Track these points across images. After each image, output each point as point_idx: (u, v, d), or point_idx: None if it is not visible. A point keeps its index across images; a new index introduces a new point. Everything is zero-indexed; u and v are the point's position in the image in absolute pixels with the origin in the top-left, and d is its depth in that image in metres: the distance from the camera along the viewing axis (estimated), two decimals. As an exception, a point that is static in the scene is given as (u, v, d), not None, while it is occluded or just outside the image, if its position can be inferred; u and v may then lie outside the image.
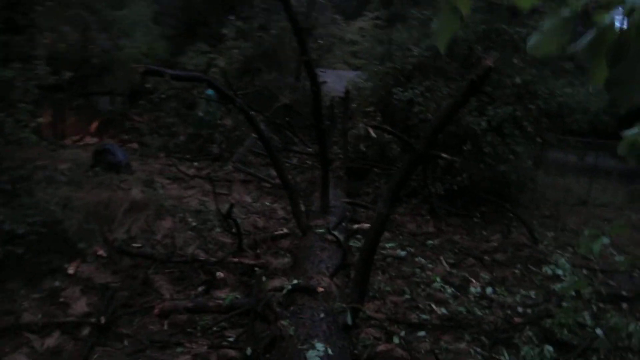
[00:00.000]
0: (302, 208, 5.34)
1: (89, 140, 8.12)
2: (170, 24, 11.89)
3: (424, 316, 3.59)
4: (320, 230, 3.99)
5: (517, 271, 4.65)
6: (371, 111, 7.01)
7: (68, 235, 3.88)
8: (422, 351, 3.15)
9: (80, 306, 3.32)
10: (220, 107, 8.08)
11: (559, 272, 4.68)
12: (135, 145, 7.97)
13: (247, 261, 3.92)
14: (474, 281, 4.30)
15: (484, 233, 5.63)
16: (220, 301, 2.71)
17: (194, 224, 4.77)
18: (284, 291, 3.05)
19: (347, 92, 6.29)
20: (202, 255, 4.13)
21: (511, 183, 6.53)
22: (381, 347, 2.95)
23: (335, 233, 3.89)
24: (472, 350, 3.21)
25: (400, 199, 2.89)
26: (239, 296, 2.93)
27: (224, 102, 8.33)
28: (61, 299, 3.40)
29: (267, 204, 5.66)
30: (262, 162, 7.21)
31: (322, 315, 2.62)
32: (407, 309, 3.68)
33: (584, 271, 4.79)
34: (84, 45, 9.32)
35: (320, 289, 2.88)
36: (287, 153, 7.81)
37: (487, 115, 6.04)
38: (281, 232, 4.71)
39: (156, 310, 2.78)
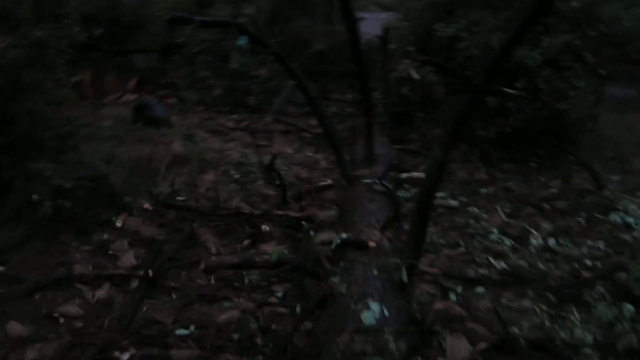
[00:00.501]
0: (347, 158, 5.10)
1: (129, 97, 8.06)
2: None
3: (482, 271, 3.33)
4: (367, 181, 3.74)
5: (581, 220, 4.25)
6: (411, 51, 6.48)
7: (114, 190, 3.84)
8: (482, 309, 2.92)
9: (129, 259, 3.29)
10: (254, 57, 7.77)
11: (629, 219, 4.26)
12: (173, 100, 7.84)
13: (292, 214, 3.75)
14: (534, 232, 3.96)
15: (542, 179, 5.18)
16: (267, 257, 2.57)
17: (236, 176, 4.63)
18: (333, 245, 2.87)
19: (385, 30, 5.79)
20: (246, 208, 4.01)
21: (570, 123, 5.95)
22: (438, 305, 2.74)
23: (385, 182, 3.63)
24: (537, 308, 2.94)
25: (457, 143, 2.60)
26: (286, 251, 2.78)
27: (256, 51, 8.01)
28: (110, 252, 3.38)
29: (309, 154, 5.43)
30: (300, 112, 6.91)
31: (375, 272, 2.42)
32: (463, 263, 3.43)
33: (657, 217, 4.33)
34: (112, 3, 9.13)
35: (372, 244, 2.67)
36: (325, 101, 7.47)
37: (542, 47, 5.39)
38: (325, 183, 4.49)
39: (202, 266, 2.68)
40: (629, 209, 4.40)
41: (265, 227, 3.53)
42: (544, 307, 2.99)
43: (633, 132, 8.01)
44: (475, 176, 5.11)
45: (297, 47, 9.26)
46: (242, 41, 8.81)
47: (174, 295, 2.95)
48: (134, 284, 3.02)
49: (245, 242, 3.48)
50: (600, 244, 3.82)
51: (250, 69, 7.91)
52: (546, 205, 4.51)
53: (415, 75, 5.68)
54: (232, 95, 8.02)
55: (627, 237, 3.91)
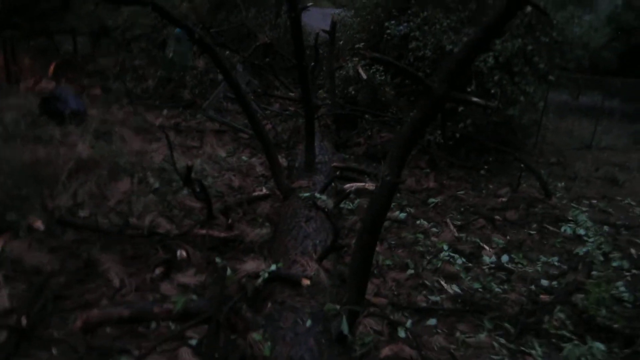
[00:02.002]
0: (285, 163, 4.52)
1: (46, 85, 6.99)
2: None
3: (434, 297, 2.89)
4: (305, 194, 3.19)
5: (533, 232, 3.95)
6: (360, 48, 6.00)
7: (-11, 206, 3.03)
8: (435, 347, 2.47)
9: (0, 300, 2.53)
10: (192, 47, 6.97)
11: (581, 231, 4.01)
12: (97, 91, 6.89)
13: (216, 233, 3.13)
14: (486, 248, 3.60)
15: (491, 187, 4.89)
16: (170, 306, 1.94)
17: (156, 185, 3.92)
18: (260, 281, 2.30)
19: (333, 24, 5.26)
20: (163, 225, 3.33)
21: (518, 128, 5.74)
22: (385, 351, 2.25)
23: (323, 198, 3.09)
24: (495, 343, 2.54)
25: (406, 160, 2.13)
26: (195, 296, 2.17)
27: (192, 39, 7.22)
28: (-24, 292, 2.60)
29: (244, 158, 4.79)
30: (239, 110, 6.24)
31: (308, 322, 1.87)
32: (412, 289, 2.97)
33: (605, 228, 4.13)
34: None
35: (306, 282, 2.13)
36: (268, 98, 6.84)
37: (494, 50, 5.10)
38: (260, 193, 3.89)
39: (78, 323, 1.99)
40: (579, 219, 4.17)
41: (181, 253, 2.88)
42: (502, 340, 2.58)
43: (572, 137, 8.05)
44: (424, 184, 4.71)
45: (242, 38, 8.55)
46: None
47: (54, 351, 2.25)
48: (2, 336, 2.28)
49: (157, 272, 2.81)
50: (554, 260, 3.52)
51: (187, 60, 7.12)
52: (497, 217, 4.18)
53: (363, 74, 5.19)
54: (165, 87, 7.20)
55: (579, 250, 3.65)
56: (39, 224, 3.15)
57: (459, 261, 3.35)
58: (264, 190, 3.97)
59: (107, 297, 2.64)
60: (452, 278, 3.15)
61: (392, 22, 5.70)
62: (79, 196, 3.51)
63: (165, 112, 6.26)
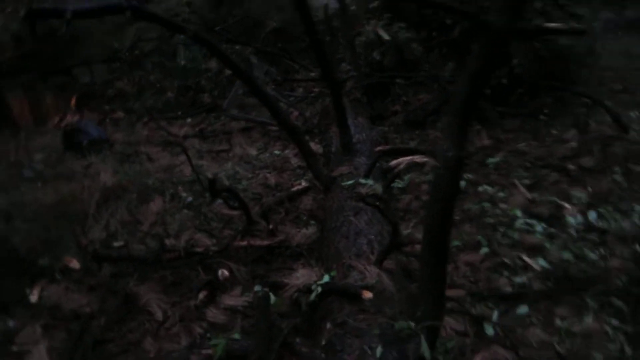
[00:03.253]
0: (320, 150, 4.11)
1: (71, 118, 6.92)
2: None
3: (518, 279, 2.41)
4: (349, 182, 2.77)
5: (618, 178, 3.33)
6: (376, 8, 5.42)
7: (19, 253, 2.84)
8: (534, 342, 2.01)
9: (39, 355, 2.32)
10: (202, 49, 6.66)
11: (677, 167, 3.36)
12: (119, 115, 6.73)
13: (259, 242, 2.79)
14: (567, 206, 3.03)
15: (555, 132, 4.23)
16: (210, 350, 1.61)
17: (189, 199, 3.63)
18: (312, 296, 1.93)
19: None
20: (202, 242, 3.04)
21: (570, 59, 4.98)
22: (477, 358, 1.82)
23: (370, 183, 2.66)
24: (607, 327, 2.04)
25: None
26: (238, 336, 1.82)
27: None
28: (14, 348, 2.40)
29: (277, 152, 4.41)
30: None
31: (379, 350, 1.48)
32: (490, 271, 2.51)
33: None
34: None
35: (367, 294, 1.73)
36: (291, 84, 6.41)
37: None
38: (299, 187, 3.52)
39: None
40: (670, 152, 3.51)
41: (223, 272, 2.56)
42: (614, 322, 2.09)
43: (630, 57, 7.06)
44: (477, 142, 4.14)
45: (250, 28, 8.15)
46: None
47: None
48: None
49: (201, 296, 2.51)
50: (654, 206, 2.93)
51: (199, 63, 6.81)
52: (571, 166, 3.58)
53: (385, 35, 4.64)
54: (185, 96, 6.95)
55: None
56: (75, 263, 2.93)
57: (539, 228, 2.82)
58: (303, 184, 3.59)
59: (151, 334, 2.37)
60: (535, 250, 2.64)
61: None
62: (111, 226, 3.29)
63: (189, 120, 6.00)
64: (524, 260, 2.55)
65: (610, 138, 3.94)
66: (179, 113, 6.19)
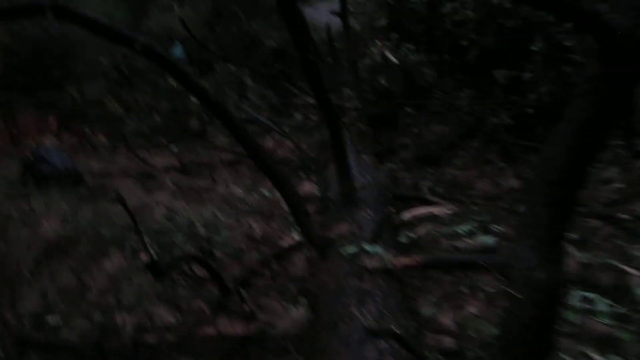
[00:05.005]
0: (317, 192, 3.41)
1: (48, 141, 6.26)
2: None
3: None
4: (350, 250, 2.05)
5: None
6: (383, 27, 4.80)
7: None
8: None
9: None
10: (193, 68, 6.03)
11: None
12: (102, 139, 6.08)
13: (230, 330, 2.06)
14: (631, 271, 2.31)
15: (592, 169, 3.53)
16: None
17: (154, 255, 2.90)
18: None
19: (343, 2, 4.11)
20: (163, 318, 2.32)
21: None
22: None
23: (377, 251, 1.95)
24: None
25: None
26: None
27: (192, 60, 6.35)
28: None
29: (266, 193, 3.70)
30: (257, 130, 5.18)
31: None
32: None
33: None
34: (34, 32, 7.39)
35: None
36: (287, 110, 5.77)
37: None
38: (288, 243, 2.81)
39: None
40: None
41: (176, 381, 1.83)
42: None
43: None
44: (502, 184, 3.45)
45: (248, 48, 7.59)
46: (177, 51, 7.10)
47: None
48: None
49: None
50: None
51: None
52: (622, 215, 2.87)
53: (392, 58, 4.00)
54: (174, 119, 6.31)
55: None
56: (-5, 349, 2.21)
57: (603, 307, 2.10)
58: (295, 237, 2.88)
59: None
60: (603, 342, 1.91)
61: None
62: (49, 294, 2.56)
63: (175, 149, 5.31)
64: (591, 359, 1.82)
65: (663, 180, 3.24)
66: (166, 139, 5.53)
